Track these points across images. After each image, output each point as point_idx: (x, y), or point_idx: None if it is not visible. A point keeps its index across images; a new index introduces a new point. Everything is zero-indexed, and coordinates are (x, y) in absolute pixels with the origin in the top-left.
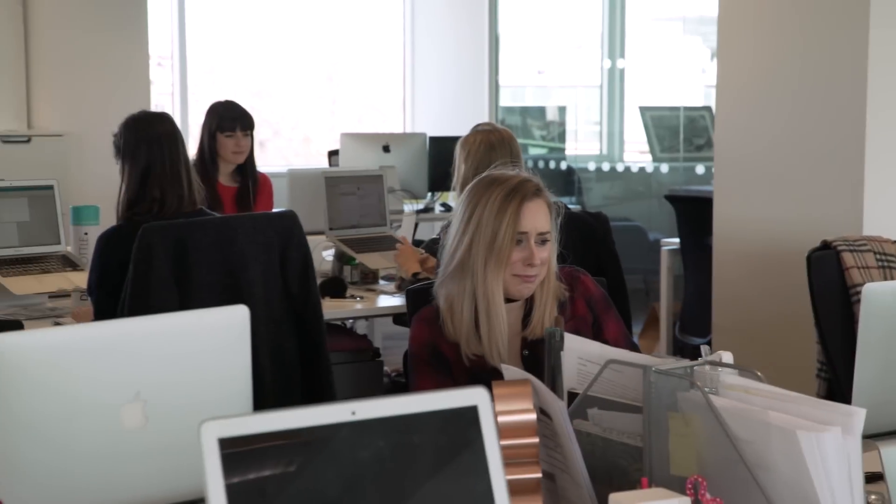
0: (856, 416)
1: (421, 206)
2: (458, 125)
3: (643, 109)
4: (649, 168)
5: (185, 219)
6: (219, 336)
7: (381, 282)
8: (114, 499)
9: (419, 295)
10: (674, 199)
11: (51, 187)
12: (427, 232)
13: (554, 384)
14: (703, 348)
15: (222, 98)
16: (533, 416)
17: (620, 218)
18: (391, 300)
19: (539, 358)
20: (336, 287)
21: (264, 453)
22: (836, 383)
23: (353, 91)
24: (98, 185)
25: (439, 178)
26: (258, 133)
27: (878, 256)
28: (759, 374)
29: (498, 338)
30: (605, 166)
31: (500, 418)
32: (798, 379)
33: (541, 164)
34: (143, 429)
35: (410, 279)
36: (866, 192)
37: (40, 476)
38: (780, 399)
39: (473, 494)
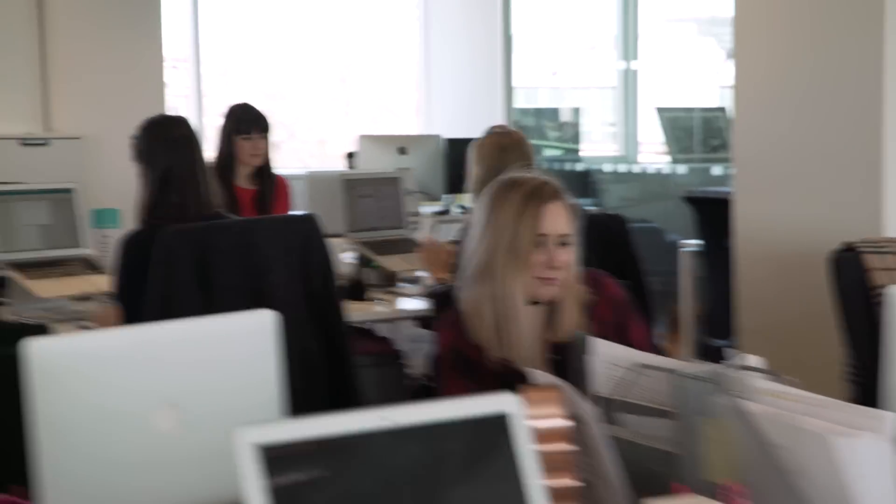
0: (888, 420)
1: (437, 207)
2: (472, 127)
3: (661, 111)
4: (666, 169)
5: (206, 222)
6: (248, 341)
7: (400, 284)
8: None
9: (443, 297)
10: (692, 201)
11: (70, 191)
12: (447, 234)
13: (582, 388)
14: (730, 352)
15: (237, 101)
16: (568, 422)
17: (638, 219)
18: (411, 303)
19: (564, 361)
20: (356, 290)
21: (299, 460)
22: (866, 387)
23: (367, 93)
24: (116, 188)
25: (455, 180)
26: (273, 135)
27: None
28: (795, 380)
29: (520, 341)
30: (622, 168)
31: (534, 423)
32: (822, 379)
33: (556, 165)
34: (174, 435)
35: (437, 283)
36: (886, 192)
37: (72, 483)
38: (811, 404)
39: (508, 502)
